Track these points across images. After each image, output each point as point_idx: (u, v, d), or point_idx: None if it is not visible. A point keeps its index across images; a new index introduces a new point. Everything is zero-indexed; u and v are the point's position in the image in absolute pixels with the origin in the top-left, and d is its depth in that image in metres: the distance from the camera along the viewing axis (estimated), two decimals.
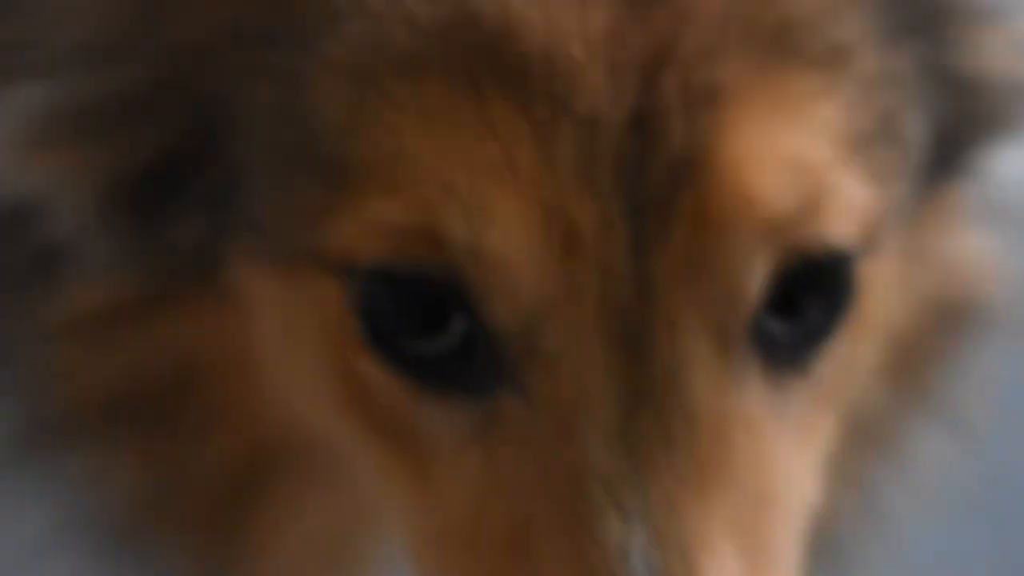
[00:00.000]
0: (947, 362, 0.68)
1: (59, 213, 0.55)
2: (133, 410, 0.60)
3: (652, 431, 0.44)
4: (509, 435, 0.46)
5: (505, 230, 0.43)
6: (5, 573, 0.75)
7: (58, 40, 0.51)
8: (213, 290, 0.55)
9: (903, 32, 0.50)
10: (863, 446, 0.67)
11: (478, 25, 0.44)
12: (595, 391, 0.45)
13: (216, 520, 0.63)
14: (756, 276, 0.45)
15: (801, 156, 0.45)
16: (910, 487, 0.73)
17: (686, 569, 0.44)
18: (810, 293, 0.48)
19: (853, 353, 0.53)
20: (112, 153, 0.52)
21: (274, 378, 0.55)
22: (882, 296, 0.55)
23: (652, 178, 0.44)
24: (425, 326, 0.46)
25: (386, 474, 0.51)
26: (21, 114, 0.52)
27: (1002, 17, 0.57)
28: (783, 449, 0.49)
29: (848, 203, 0.46)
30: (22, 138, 0.52)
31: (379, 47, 0.45)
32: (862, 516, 0.72)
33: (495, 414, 0.46)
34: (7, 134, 0.52)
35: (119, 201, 0.54)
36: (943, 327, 0.65)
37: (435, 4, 0.44)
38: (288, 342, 0.52)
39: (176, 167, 0.51)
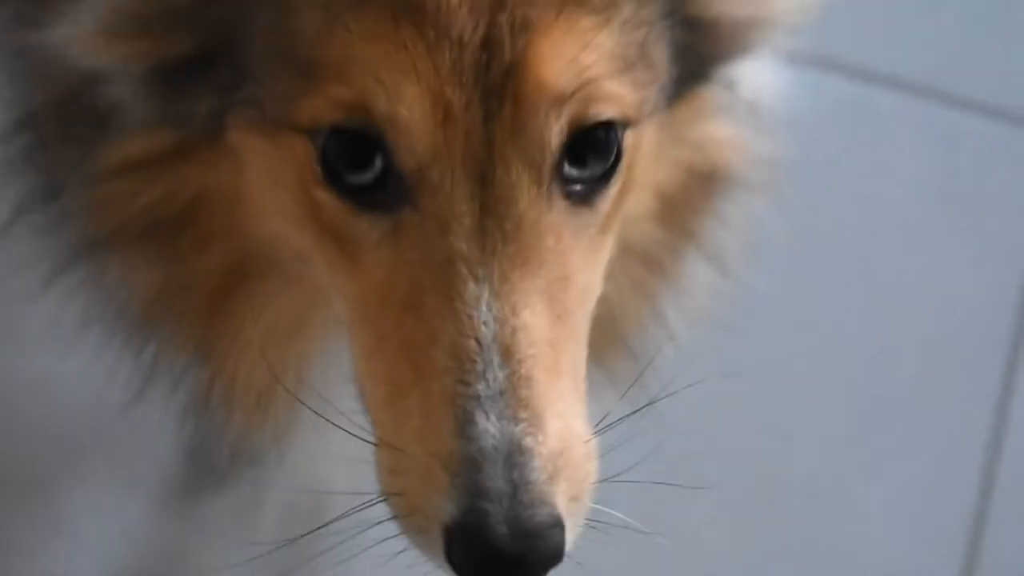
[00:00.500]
0: (710, 214, 0.90)
1: (116, 84, 0.77)
2: (157, 229, 0.81)
3: (494, 230, 0.69)
4: (407, 235, 0.71)
5: (409, 106, 0.68)
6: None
7: None
8: (219, 146, 0.77)
9: None
10: (652, 272, 0.90)
11: None
12: (459, 206, 0.69)
13: (206, 311, 0.85)
14: (554, 134, 0.70)
15: (581, 63, 0.70)
16: (685, 307, 0.96)
17: (514, 315, 0.69)
18: (592, 152, 0.73)
19: (625, 198, 0.77)
20: (158, 46, 0.74)
21: (258, 207, 0.78)
22: (644, 162, 0.78)
23: (493, 76, 0.69)
24: (358, 165, 0.71)
25: (331, 267, 0.74)
26: (100, 11, 0.74)
27: None
28: (579, 254, 0.73)
29: (612, 95, 0.71)
30: (100, 28, 0.74)
31: None
32: (653, 327, 0.94)
33: (399, 223, 0.71)
34: (90, 25, 0.74)
35: (159, 78, 0.75)
36: (704, 188, 0.87)
37: None
38: (269, 182, 0.75)
39: (200, 60, 0.74)
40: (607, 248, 0.77)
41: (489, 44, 0.69)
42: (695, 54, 0.79)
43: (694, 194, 0.87)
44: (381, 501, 0.71)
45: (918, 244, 1.59)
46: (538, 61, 0.69)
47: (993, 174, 1.64)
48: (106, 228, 0.82)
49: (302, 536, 0.85)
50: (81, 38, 0.75)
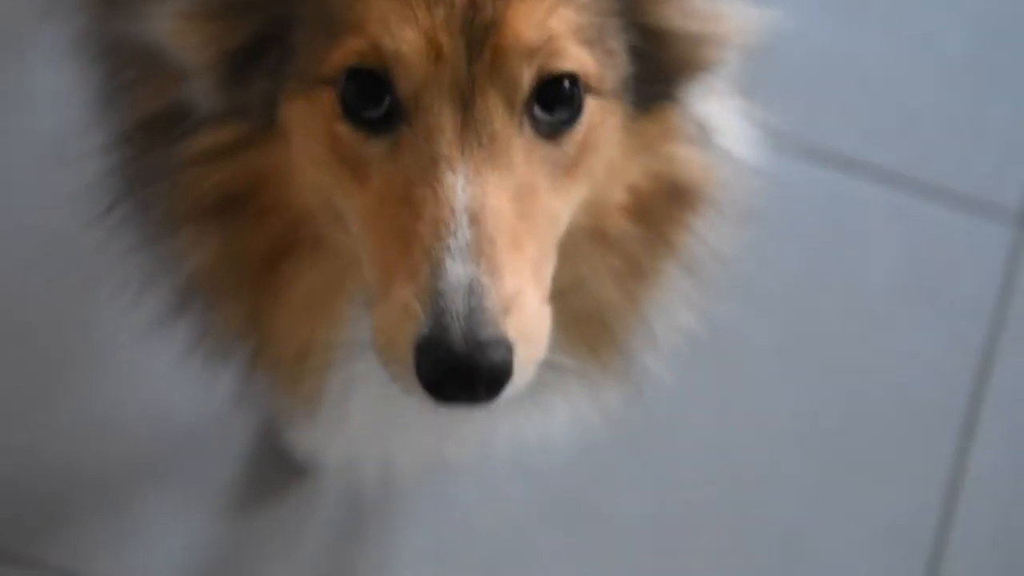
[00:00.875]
0: (685, 227, 1.03)
1: (193, 79, 0.97)
2: (222, 206, 0.99)
3: (472, 139, 0.87)
4: (403, 147, 0.89)
5: (409, 45, 0.87)
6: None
7: None
8: (271, 133, 0.96)
9: None
10: (631, 268, 1.03)
11: None
12: (444, 121, 0.87)
13: (256, 279, 1.01)
14: (525, 77, 0.88)
15: (548, 25, 0.88)
16: (666, 315, 1.08)
17: (483, 196, 0.85)
18: (558, 102, 0.90)
19: (592, 159, 0.93)
20: (229, 30, 0.94)
21: (301, 170, 0.95)
22: (611, 144, 0.94)
23: (477, 29, 0.88)
24: (371, 100, 0.90)
25: (346, 192, 0.92)
26: (183, 1, 0.94)
27: None
28: (544, 178, 0.90)
29: (572, 55, 0.89)
30: (185, 12, 0.94)
31: None
32: (637, 325, 1.07)
33: (397, 140, 0.89)
34: (179, 8, 0.94)
35: (225, 65, 0.95)
36: (675, 199, 1.01)
37: None
38: (305, 134, 0.93)
39: (258, 46, 0.94)
40: (572, 196, 0.94)
41: (474, 4, 0.89)
42: (652, 61, 0.96)
43: (666, 202, 1.02)
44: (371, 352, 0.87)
45: (887, 317, 1.73)
46: (513, 20, 0.89)
47: (956, 257, 1.78)
48: (182, 207, 1.01)
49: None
50: (167, 24, 0.95)
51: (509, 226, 0.86)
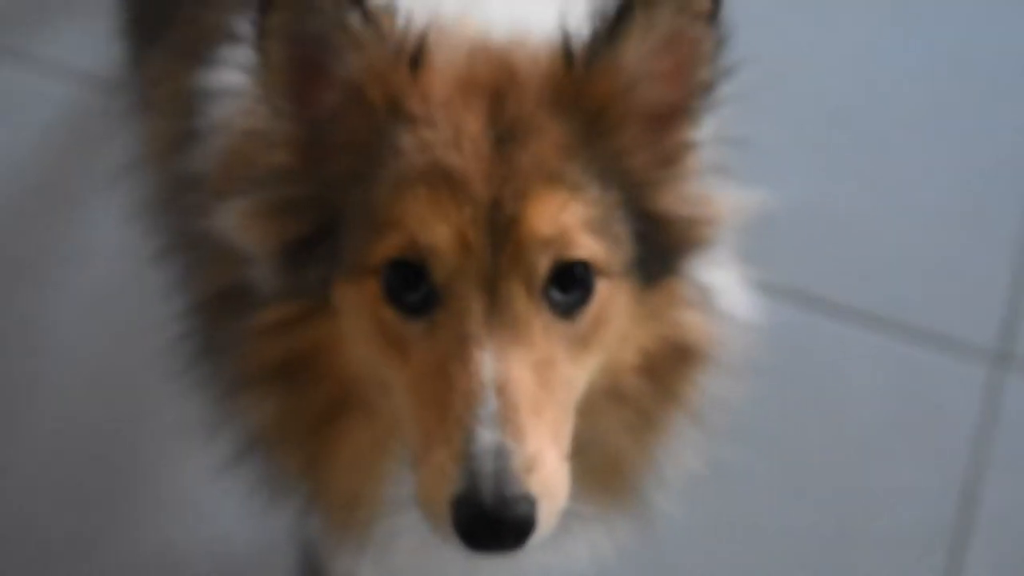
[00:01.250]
0: (691, 382, 1.15)
1: (257, 265, 1.10)
2: (283, 371, 1.11)
3: (497, 320, 1.00)
4: (438, 327, 1.02)
5: (442, 242, 1.00)
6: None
7: (267, 166, 1.07)
8: (326, 310, 1.08)
9: (611, 185, 1.04)
10: (642, 419, 1.14)
11: (438, 167, 1.02)
12: (474, 306, 1.00)
13: (311, 434, 1.14)
14: (542, 264, 1.01)
15: (560, 220, 1.01)
16: (676, 462, 1.21)
17: (508, 372, 0.98)
18: (572, 284, 1.03)
19: (605, 333, 1.05)
20: (287, 227, 1.07)
21: (350, 345, 1.08)
22: (622, 318, 1.06)
23: (499, 224, 1.00)
24: (410, 287, 1.03)
25: (390, 366, 1.04)
26: (248, 201, 1.08)
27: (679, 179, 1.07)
28: (561, 351, 1.02)
29: (583, 244, 1.01)
30: (248, 211, 1.06)
31: (401, 174, 1.02)
32: (648, 469, 1.19)
33: (434, 320, 1.02)
34: (242, 209, 1.07)
35: (285, 255, 1.08)
36: (681, 358, 1.13)
37: (424, 156, 1.02)
38: (354, 313, 1.06)
39: (313, 238, 1.07)
40: (587, 364, 1.06)
41: (497, 204, 1.02)
42: (655, 242, 1.08)
43: (673, 361, 1.14)
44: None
45: (875, 448, 1.86)
46: (531, 216, 1.02)
47: (936, 392, 1.91)
48: (248, 370, 1.14)
49: None
50: (233, 219, 1.09)
51: (531, 395, 0.99)
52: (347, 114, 1.06)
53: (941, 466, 1.85)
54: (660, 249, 1.09)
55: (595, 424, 1.12)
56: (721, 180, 1.12)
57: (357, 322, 1.07)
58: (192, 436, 1.25)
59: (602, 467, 1.16)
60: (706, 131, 1.10)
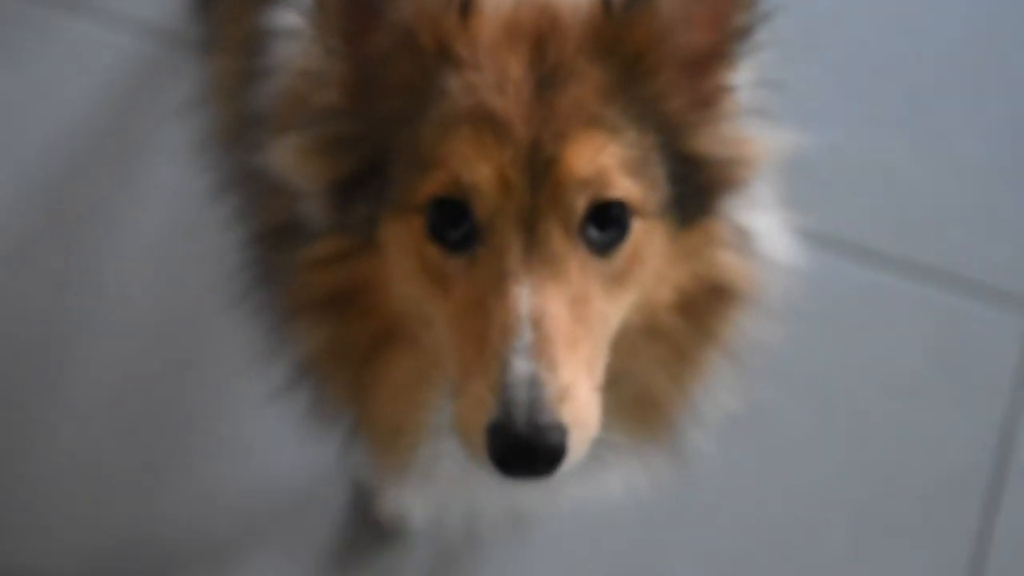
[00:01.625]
0: (727, 321, 1.17)
1: (308, 200, 1.13)
2: (332, 303, 1.15)
3: (535, 258, 1.03)
4: (478, 264, 1.04)
5: (484, 179, 1.03)
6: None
7: (319, 105, 1.11)
8: (373, 246, 1.11)
9: (649, 128, 1.07)
10: (679, 357, 1.17)
11: (483, 109, 1.05)
12: (513, 243, 1.03)
13: (359, 363, 1.17)
14: (580, 204, 1.04)
15: (597, 161, 1.04)
16: (713, 401, 1.23)
17: (543, 306, 1.01)
18: (609, 223, 1.06)
19: (642, 269, 1.08)
20: (335, 163, 1.10)
21: (394, 282, 1.11)
22: (658, 256, 1.08)
23: (539, 165, 1.03)
24: (453, 224, 1.06)
25: (433, 301, 1.07)
26: (301, 137, 1.11)
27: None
28: (596, 288, 1.05)
29: (619, 184, 1.04)
30: (300, 147, 1.10)
31: (447, 116, 1.05)
32: (690, 415, 1.22)
33: (475, 257, 1.05)
34: (296, 143, 1.10)
35: (334, 192, 1.11)
36: (717, 296, 1.15)
37: (469, 99, 1.04)
38: (398, 251, 1.10)
39: (362, 176, 1.10)
40: (622, 301, 1.09)
41: (537, 145, 1.05)
42: (691, 183, 1.11)
43: (709, 300, 1.16)
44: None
45: (913, 396, 1.87)
46: (569, 157, 1.05)
47: (975, 341, 1.91)
48: (300, 300, 1.18)
49: None
50: (287, 155, 1.13)
51: (565, 329, 1.02)
52: (398, 56, 1.09)
53: (979, 414, 1.86)
54: (697, 190, 1.11)
55: (631, 360, 1.14)
56: (759, 123, 1.14)
57: (402, 258, 1.11)
58: (247, 375, 1.29)
59: (637, 401, 1.19)
60: (744, 75, 1.12)
